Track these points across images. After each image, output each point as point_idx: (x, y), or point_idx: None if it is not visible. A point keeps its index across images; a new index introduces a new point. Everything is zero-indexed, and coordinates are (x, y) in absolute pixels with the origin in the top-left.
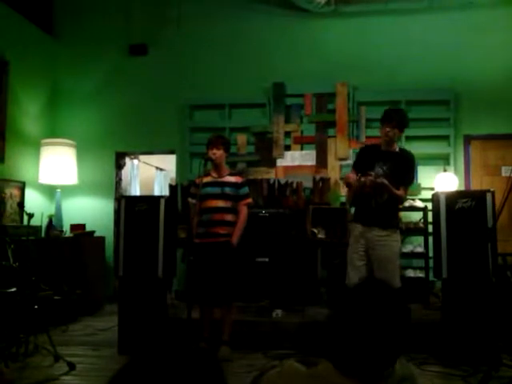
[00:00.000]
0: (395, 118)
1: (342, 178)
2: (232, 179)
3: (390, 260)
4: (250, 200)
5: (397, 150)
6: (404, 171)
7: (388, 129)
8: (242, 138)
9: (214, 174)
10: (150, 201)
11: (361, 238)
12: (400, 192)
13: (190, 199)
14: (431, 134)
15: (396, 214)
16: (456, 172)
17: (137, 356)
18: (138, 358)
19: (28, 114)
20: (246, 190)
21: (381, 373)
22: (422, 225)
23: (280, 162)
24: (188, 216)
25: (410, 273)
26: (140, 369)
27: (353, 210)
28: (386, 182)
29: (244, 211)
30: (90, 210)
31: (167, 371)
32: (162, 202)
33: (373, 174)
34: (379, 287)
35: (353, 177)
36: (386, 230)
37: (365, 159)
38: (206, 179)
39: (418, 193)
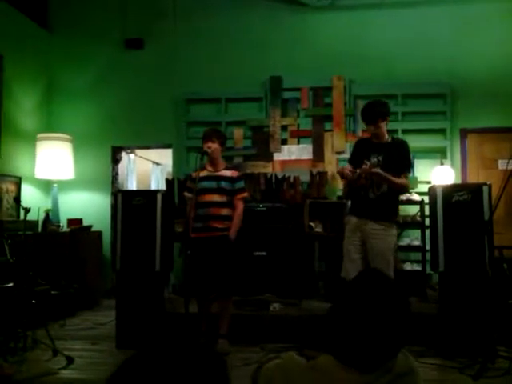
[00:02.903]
0: (372, 115)
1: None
2: (228, 173)
3: (384, 254)
4: (245, 194)
5: (389, 140)
6: (400, 158)
7: (372, 127)
8: (238, 132)
9: (210, 168)
10: (146, 195)
11: (357, 230)
12: (401, 180)
13: (186, 193)
14: (428, 127)
15: (394, 208)
16: (452, 165)
17: (140, 350)
18: (140, 353)
19: (23, 108)
20: (241, 184)
21: (383, 363)
22: (418, 218)
23: (277, 156)
24: (184, 210)
25: (407, 266)
26: (144, 363)
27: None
28: (380, 171)
29: (240, 205)
30: (87, 205)
31: (171, 366)
32: (159, 196)
33: (368, 163)
34: (380, 278)
35: (347, 169)
36: (381, 224)
37: (359, 152)
38: (202, 173)
39: (415, 186)
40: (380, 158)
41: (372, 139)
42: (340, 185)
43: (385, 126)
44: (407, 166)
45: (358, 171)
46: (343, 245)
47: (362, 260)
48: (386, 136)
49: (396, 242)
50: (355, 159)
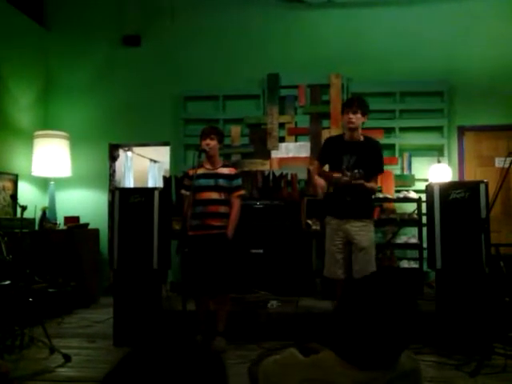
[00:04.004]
0: (356, 102)
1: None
2: (225, 171)
3: (369, 249)
4: (242, 192)
5: (361, 138)
6: (373, 162)
7: (351, 115)
8: (236, 130)
9: (208, 166)
10: (144, 193)
11: (338, 230)
12: (371, 184)
13: (183, 191)
14: (425, 125)
15: (370, 205)
16: (450, 163)
17: (136, 348)
18: (137, 351)
19: (20, 105)
20: (238, 181)
21: (387, 362)
22: (415, 216)
23: (274, 154)
24: (181, 208)
25: (405, 264)
26: (140, 361)
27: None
28: (362, 182)
29: (237, 203)
30: (84, 203)
31: (168, 364)
32: (156, 193)
33: (349, 174)
34: (388, 278)
35: (320, 180)
36: (362, 221)
37: (330, 152)
38: (200, 171)
39: (412, 184)
40: (352, 160)
41: (344, 137)
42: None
43: (361, 124)
44: (379, 170)
45: (336, 176)
46: (325, 245)
47: (345, 259)
48: (360, 134)
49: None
50: (326, 158)
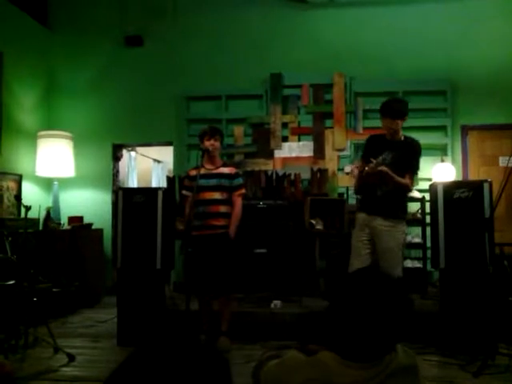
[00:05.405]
0: (395, 109)
1: (346, 172)
2: (226, 170)
3: (392, 250)
4: (243, 191)
5: (402, 138)
6: (409, 159)
7: (389, 123)
8: (239, 130)
9: (209, 166)
10: (147, 193)
11: (365, 226)
12: (405, 180)
13: (184, 192)
14: (428, 124)
15: (402, 205)
16: (453, 162)
17: (140, 348)
18: (141, 351)
19: (24, 106)
20: (239, 180)
21: (381, 355)
22: (419, 215)
23: (278, 154)
24: (184, 208)
25: (408, 263)
26: (144, 361)
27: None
28: (385, 169)
29: (239, 202)
30: (88, 203)
31: (172, 364)
32: (160, 193)
33: (374, 161)
34: (379, 274)
35: (356, 167)
36: (390, 221)
37: (372, 149)
38: (201, 171)
39: (416, 183)
40: (391, 156)
41: (386, 136)
42: (340, 182)
43: (400, 126)
44: (414, 167)
45: (366, 168)
46: (351, 241)
47: (370, 255)
48: (400, 134)
49: (405, 238)
50: (368, 155)
